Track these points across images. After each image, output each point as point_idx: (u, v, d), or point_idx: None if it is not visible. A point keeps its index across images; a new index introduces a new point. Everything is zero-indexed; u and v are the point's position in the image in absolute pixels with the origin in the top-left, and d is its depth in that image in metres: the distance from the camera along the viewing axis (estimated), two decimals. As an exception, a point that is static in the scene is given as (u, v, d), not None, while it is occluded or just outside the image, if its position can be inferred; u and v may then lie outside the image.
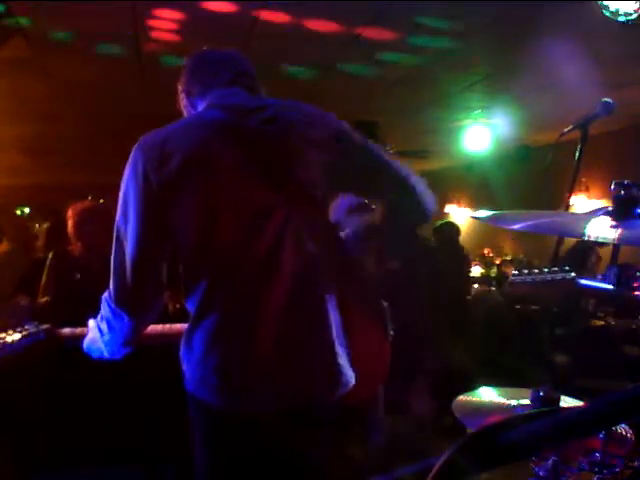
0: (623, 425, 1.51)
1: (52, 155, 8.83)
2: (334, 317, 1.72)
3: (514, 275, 1.95)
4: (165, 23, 3.98)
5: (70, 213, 3.39)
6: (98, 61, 4.69)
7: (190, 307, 1.69)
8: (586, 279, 2.09)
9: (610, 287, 2.05)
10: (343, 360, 1.72)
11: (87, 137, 7.26)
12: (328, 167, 1.72)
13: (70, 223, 3.39)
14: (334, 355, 1.70)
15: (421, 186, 1.85)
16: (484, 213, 1.77)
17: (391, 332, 1.91)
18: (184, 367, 1.70)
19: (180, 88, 1.89)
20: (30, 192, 12.21)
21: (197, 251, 1.65)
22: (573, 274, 1.90)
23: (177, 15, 3.85)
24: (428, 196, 1.87)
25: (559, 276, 1.91)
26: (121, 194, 1.67)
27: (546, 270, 1.92)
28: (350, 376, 1.73)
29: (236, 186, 1.64)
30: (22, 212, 13.84)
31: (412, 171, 1.85)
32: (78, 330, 1.96)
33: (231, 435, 1.66)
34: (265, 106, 1.74)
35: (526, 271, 1.93)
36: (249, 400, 1.65)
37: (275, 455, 1.67)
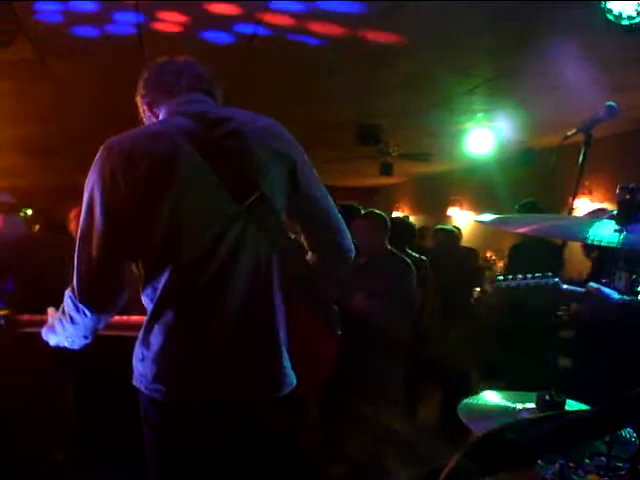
0: (628, 429, 1.50)
1: (55, 156, 8.86)
2: (282, 321, 1.82)
3: (499, 280, 2.07)
4: (168, 25, 3.99)
5: (73, 214, 3.48)
6: (101, 63, 4.71)
7: (148, 303, 1.77)
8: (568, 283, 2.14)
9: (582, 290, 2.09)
10: (287, 362, 1.82)
11: (90, 138, 7.27)
12: (284, 184, 1.81)
13: (73, 224, 3.46)
14: (280, 358, 1.81)
15: (347, 236, 1.96)
16: (487, 217, 1.78)
17: (339, 332, 2.01)
18: (136, 363, 1.77)
19: (140, 100, 1.94)
20: (32, 194, 12.22)
21: (159, 252, 1.72)
22: (556, 279, 1.99)
23: (180, 17, 3.86)
24: (350, 250, 1.97)
25: (542, 281, 2.00)
26: (86, 197, 1.73)
27: (529, 276, 2.02)
28: (292, 377, 1.83)
29: (200, 194, 1.71)
30: (25, 213, 13.86)
31: (342, 222, 1.97)
32: (37, 317, 2.02)
33: (182, 430, 1.73)
34: (228, 118, 1.80)
35: (511, 276, 2.05)
36: (200, 396, 1.72)
37: (223, 449, 1.77)
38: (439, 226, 6.88)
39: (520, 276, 2.03)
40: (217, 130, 1.76)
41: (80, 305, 1.76)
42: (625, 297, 2.05)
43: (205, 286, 1.72)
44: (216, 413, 1.73)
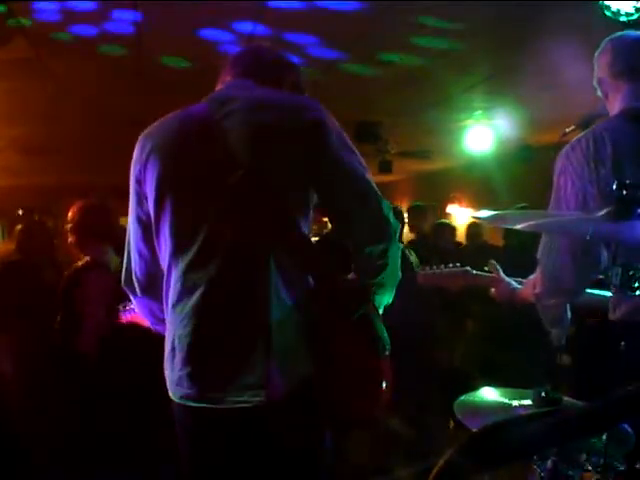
0: (625, 426, 1.50)
1: (52, 155, 8.85)
2: (281, 320, 1.64)
3: (423, 269, 2.40)
4: (165, 24, 3.98)
5: (73, 209, 3.51)
6: (99, 61, 4.70)
7: None
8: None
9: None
10: (283, 365, 1.63)
11: (87, 137, 7.27)
12: (299, 162, 1.68)
13: (71, 219, 3.51)
14: (269, 360, 1.62)
15: (394, 238, 1.75)
16: (486, 213, 1.78)
17: (387, 347, 1.76)
18: None
19: None
20: (31, 193, 12.23)
21: (162, 241, 1.75)
22: (468, 268, 2.33)
23: (178, 16, 3.85)
24: (397, 250, 1.76)
25: (455, 269, 2.34)
26: None
27: (443, 265, 2.38)
28: (285, 381, 1.63)
29: (188, 173, 1.71)
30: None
31: (389, 210, 1.74)
32: None
33: (182, 423, 1.75)
34: (235, 98, 1.76)
35: (428, 267, 2.41)
36: (181, 390, 1.71)
37: (214, 447, 1.72)
38: (443, 220, 6.97)
39: (435, 266, 2.40)
40: (219, 111, 1.73)
41: (126, 289, 1.92)
42: (515, 284, 2.19)
43: (188, 273, 1.68)
44: (201, 411, 1.68)
